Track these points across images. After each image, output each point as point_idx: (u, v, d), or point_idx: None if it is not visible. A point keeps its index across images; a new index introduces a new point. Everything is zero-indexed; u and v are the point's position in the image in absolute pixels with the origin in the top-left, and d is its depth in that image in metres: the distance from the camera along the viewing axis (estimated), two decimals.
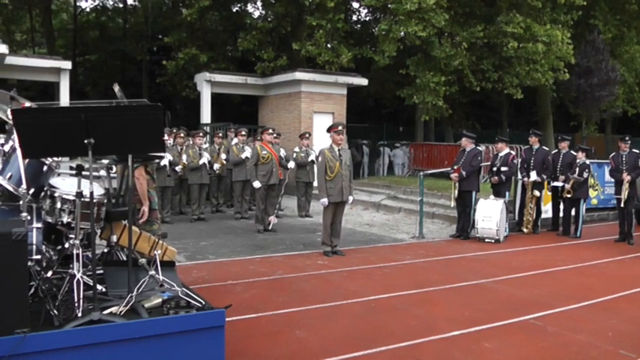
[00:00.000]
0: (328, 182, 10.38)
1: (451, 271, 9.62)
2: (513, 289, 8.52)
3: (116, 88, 6.01)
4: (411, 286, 8.45)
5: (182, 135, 14.96)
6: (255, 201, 13.38)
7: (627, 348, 6.06)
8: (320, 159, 10.56)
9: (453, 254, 11.07)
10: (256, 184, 12.92)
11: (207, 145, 16.04)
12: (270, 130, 13.62)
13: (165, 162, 13.25)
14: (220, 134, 16.34)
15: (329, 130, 10.70)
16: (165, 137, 13.24)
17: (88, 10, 38.85)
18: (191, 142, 15.00)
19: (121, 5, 38.00)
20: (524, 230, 13.70)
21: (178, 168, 14.32)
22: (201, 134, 15.30)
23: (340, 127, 10.55)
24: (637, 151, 12.86)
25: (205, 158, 14.61)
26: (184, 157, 14.47)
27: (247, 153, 14.57)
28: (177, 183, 14.81)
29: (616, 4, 29.90)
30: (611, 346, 6.13)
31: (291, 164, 14.54)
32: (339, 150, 10.54)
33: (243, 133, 15.59)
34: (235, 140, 15.69)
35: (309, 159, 15.37)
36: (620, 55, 30.97)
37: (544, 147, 14.22)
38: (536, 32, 23.72)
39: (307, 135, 16.07)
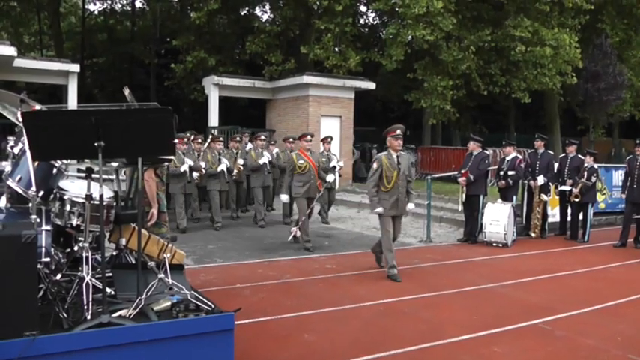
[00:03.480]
0: (382, 193, 9.20)
1: (459, 275, 9.60)
2: (522, 293, 8.50)
3: (126, 91, 6.02)
4: (420, 290, 8.44)
5: (200, 140, 14.46)
6: (298, 212, 11.76)
7: (636, 352, 6.05)
8: (375, 166, 9.27)
9: (461, 258, 11.05)
10: (284, 198, 12.44)
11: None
12: (308, 137, 12.11)
13: (185, 168, 13.00)
14: (238, 138, 15.60)
15: (386, 134, 9.38)
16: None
17: (96, 13, 39.00)
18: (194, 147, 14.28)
19: (129, 8, 38.09)
20: (532, 234, 13.67)
21: (195, 175, 13.58)
22: (220, 139, 14.62)
23: (399, 131, 9.22)
24: None
25: (224, 164, 13.89)
26: (202, 163, 13.71)
27: (265, 158, 14.36)
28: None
29: (623, 9, 29.87)
30: (619, 350, 6.12)
31: (330, 178, 12.77)
32: (397, 157, 9.27)
33: (262, 137, 15.09)
34: (250, 145, 15.45)
35: (331, 165, 14.06)
36: (628, 59, 30.94)
37: (549, 151, 14.20)
38: (544, 36, 23.72)
39: (329, 139, 14.97)
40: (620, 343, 6.34)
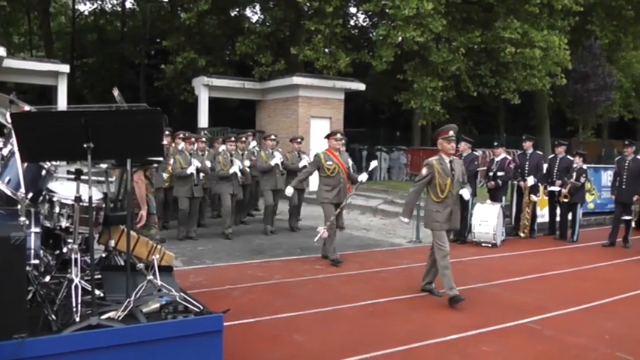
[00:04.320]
0: (434, 204, 8.06)
1: None
2: (510, 293, 8.54)
3: (116, 92, 6.01)
4: (409, 290, 8.46)
5: (204, 140, 13.84)
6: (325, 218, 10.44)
7: (624, 351, 6.10)
8: (424, 172, 8.11)
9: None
10: (289, 192, 11.03)
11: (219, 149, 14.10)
12: (339, 135, 10.97)
13: (192, 169, 12.26)
14: (244, 139, 14.65)
15: (437, 135, 8.32)
16: (182, 145, 12.89)
17: (86, 13, 38.94)
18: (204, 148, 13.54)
19: (119, 9, 37.99)
20: (521, 235, 13.72)
21: (201, 176, 12.69)
22: (232, 139, 13.53)
23: (452, 132, 8.10)
24: None
25: (237, 166, 12.82)
26: (208, 163, 12.85)
27: (277, 159, 13.52)
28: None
29: (613, 10, 30.09)
30: (608, 349, 6.16)
31: (364, 177, 10.87)
32: (450, 162, 8.13)
33: (273, 137, 14.19)
34: (253, 143, 15.14)
35: (301, 164, 13.69)
36: (617, 61, 31.19)
37: (538, 151, 14.26)
38: (534, 38, 23.86)
39: (299, 140, 14.61)
40: (608, 341, 6.38)
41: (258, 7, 30.73)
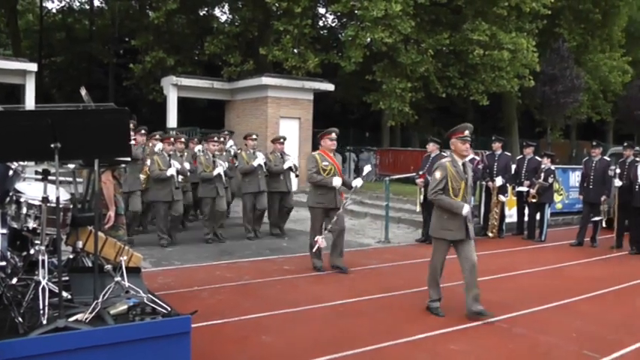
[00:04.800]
0: (447, 210, 7.34)
1: (417, 275, 9.64)
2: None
3: (83, 91, 5.98)
4: (378, 290, 8.49)
5: (183, 140, 13.06)
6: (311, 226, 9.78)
7: (591, 348, 6.20)
8: (438, 175, 7.38)
9: (419, 258, 11.13)
10: (337, 182, 9.78)
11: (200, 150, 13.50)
12: (333, 135, 10.05)
13: (172, 171, 11.47)
14: (222, 139, 13.87)
15: (450, 135, 7.54)
16: (159, 145, 12.24)
17: (54, 11, 38.43)
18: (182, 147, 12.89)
19: (87, 7, 37.64)
20: (490, 235, 13.84)
21: (180, 178, 11.89)
22: (215, 138, 12.83)
23: (467, 132, 7.40)
24: (608, 159, 13.18)
25: (221, 168, 12.12)
26: (187, 165, 12.30)
27: (260, 160, 12.69)
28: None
29: (580, 14, 30.57)
30: (575, 346, 6.25)
31: (358, 182, 10.19)
32: (463, 164, 7.47)
33: (254, 137, 13.31)
34: (230, 142, 14.69)
35: (285, 166, 13.07)
36: (585, 63, 31.61)
37: (506, 152, 14.40)
38: (502, 40, 24.08)
39: (282, 140, 13.64)
40: (575, 339, 6.46)
41: (226, 7, 30.70)
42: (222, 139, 13.97)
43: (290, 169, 13.22)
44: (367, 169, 10.96)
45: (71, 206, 5.47)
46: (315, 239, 9.59)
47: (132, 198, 11.59)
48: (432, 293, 7.53)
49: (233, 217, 14.57)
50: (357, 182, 10.12)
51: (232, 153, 14.23)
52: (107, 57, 34.02)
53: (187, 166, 12.34)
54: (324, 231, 9.71)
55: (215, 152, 12.45)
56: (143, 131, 12.16)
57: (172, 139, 12.36)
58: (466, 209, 7.19)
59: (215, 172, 12.05)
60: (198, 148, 13.73)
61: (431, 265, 7.62)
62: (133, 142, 10.18)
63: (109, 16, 35.10)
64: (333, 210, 9.69)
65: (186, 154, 12.95)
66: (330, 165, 9.77)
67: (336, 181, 9.67)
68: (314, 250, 9.67)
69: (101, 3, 36.75)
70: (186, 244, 11.92)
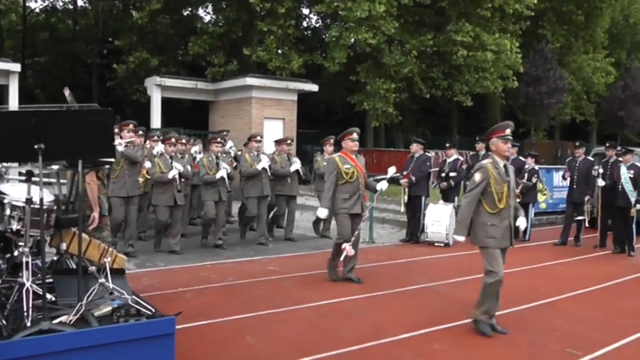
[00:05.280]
0: (489, 216, 6.73)
1: (401, 275, 9.71)
2: (463, 291, 8.65)
3: (66, 92, 5.97)
4: (362, 290, 8.51)
5: (184, 141, 12.10)
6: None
7: (574, 347, 6.26)
8: (478, 178, 6.77)
9: (403, 258, 11.18)
10: (322, 213, 9.36)
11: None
12: (355, 135, 9.22)
13: (174, 174, 10.76)
14: (220, 139, 12.40)
15: (490, 134, 7.18)
16: (160, 147, 11.74)
17: (37, 10, 38.23)
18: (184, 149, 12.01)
19: (71, 7, 37.47)
20: None
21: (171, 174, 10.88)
22: (218, 139, 12.05)
23: (509, 131, 7.05)
24: (591, 159, 13.28)
25: (224, 170, 11.43)
26: (189, 167, 11.55)
27: (265, 163, 11.99)
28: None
29: (563, 15, 30.82)
30: (558, 345, 6.30)
31: (383, 185, 9.41)
32: (505, 166, 6.95)
33: (259, 138, 12.65)
34: (230, 143, 14.05)
35: (292, 169, 12.59)
36: (568, 64, 31.85)
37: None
38: (485, 41, 24.21)
39: (289, 141, 13.26)
40: (558, 337, 6.51)
41: (210, 8, 30.65)
42: (219, 139, 12.71)
43: (297, 172, 12.74)
44: (392, 170, 10.27)
45: (55, 207, 5.46)
46: (343, 247, 8.81)
47: (129, 204, 10.58)
48: (489, 307, 6.79)
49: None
50: (382, 185, 9.36)
51: (232, 154, 13.59)
52: (91, 57, 33.86)
53: (189, 168, 11.62)
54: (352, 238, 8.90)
55: (217, 154, 11.69)
56: (141, 132, 11.76)
57: (174, 140, 11.41)
58: (460, 239, 7.00)
59: (218, 175, 11.34)
60: (195, 149, 13.35)
61: (490, 277, 6.88)
62: (131, 143, 10.09)
63: (93, 16, 34.96)
64: (357, 216, 9.04)
65: (187, 156, 12.20)
66: (352, 168, 8.97)
67: (321, 213, 9.28)
68: (342, 258, 8.88)
69: (85, 3, 36.65)
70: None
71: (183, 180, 11.21)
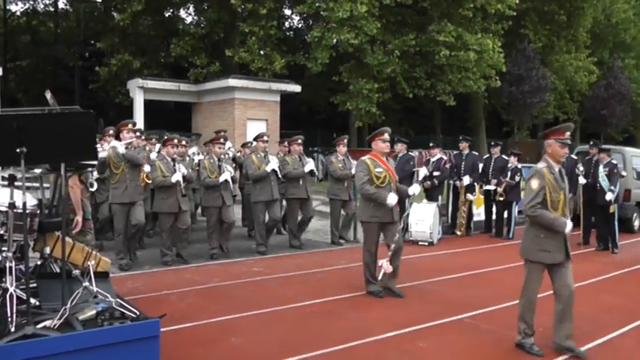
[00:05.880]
0: (544, 228, 6.04)
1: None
2: (447, 289, 8.68)
3: (48, 95, 5.95)
4: (347, 290, 8.51)
5: (185, 143, 11.32)
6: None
7: None
8: (535, 185, 5.98)
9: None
10: (392, 199, 8.09)
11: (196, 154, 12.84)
12: (386, 135, 8.46)
13: (177, 177, 9.92)
14: (223, 141, 11.81)
15: (547, 135, 6.26)
16: (158, 149, 11.34)
17: (18, 13, 38.01)
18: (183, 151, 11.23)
19: (52, 9, 37.24)
20: (458, 233, 13.97)
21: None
22: (222, 141, 11.43)
23: (568, 134, 6.11)
24: (574, 157, 13.42)
25: (228, 173, 10.76)
26: (182, 170, 10.21)
27: (274, 164, 11.27)
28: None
29: (545, 15, 31.05)
30: (542, 340, 6.31)
31: (416, 189, 8.67)
32: (560, 170, 6.15)
33: (266, 138, 11.80)
34: (228, 144, 13.43)
35: (306, 169, 12.02)
36: (551, 64, 32.09)
37: (474, 152, 14.56)
38: (468, 41, 24.34)
39: (300, 141, 12.48)
40: (542, 333, 6.51)
41: (192, 9, 30.60)
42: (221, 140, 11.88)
43: (311, 172, 12.21)
44: (422, 172, 10.04)
45: (38, 211, 5.43)
46: (380, 264, 8.19)
47: (132, 210, 9.78)
48: (526, 327, 6.27)
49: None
50: (415, 189, 8.62)
51: (231, 155, 13.07)
52: (73, 60, 33.70)
53: (191, 171, 10.86)
54: (388, 252, 8.27)
55: (220, 156, 11.06)
56: (139, 133, 10.87)
57: (175, 141, 10.51)
58: (569, 227, 5.92)
59: (221, 179, 10.65)
60: (192, 150, 12.84)
61: (525, 297, 6.39)
62: (131, 144, 9.92)
63: (74, 18, 34.83)
64: (390, 224, 8.25)
65: (188, 159, 11.71)
66: (384, 172, 8.21)
67: (391, 199, 8.02)
68: (380, 277, 8.25)
69: (66, 5, 36.40)
70: (156, 247, 11.77)
71: (184, 184, 10.37)
